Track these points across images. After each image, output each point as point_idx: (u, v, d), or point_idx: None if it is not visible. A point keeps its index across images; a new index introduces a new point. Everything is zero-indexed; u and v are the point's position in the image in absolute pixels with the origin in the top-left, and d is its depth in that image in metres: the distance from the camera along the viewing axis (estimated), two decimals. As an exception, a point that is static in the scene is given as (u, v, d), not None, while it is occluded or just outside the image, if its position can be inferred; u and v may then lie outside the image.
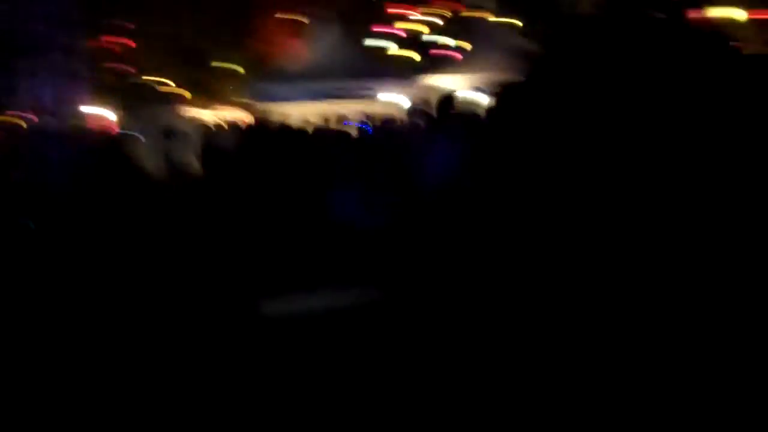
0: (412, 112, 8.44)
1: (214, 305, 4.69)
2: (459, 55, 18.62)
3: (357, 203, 6.95)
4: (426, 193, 5.00)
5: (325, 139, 8.48)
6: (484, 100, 11.63)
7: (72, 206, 6.23)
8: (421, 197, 5.07)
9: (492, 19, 18.74)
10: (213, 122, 15.73)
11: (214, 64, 20.64)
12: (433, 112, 6.98)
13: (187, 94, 19.72)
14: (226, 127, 14.35)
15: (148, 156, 12.64)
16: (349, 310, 5.67)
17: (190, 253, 4.87)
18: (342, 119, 10.10)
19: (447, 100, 5.15)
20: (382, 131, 8.73)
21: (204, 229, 4.95)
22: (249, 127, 10.04)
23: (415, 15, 21.03)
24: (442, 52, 19.91)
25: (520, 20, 19.71)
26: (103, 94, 17.20)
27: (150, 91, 19.69)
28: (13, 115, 7.26)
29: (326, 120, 9.75)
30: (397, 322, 5.27)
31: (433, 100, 12.53)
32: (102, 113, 15.83)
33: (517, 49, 17.38)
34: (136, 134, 12.47)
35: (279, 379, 4.49)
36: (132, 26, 19.77)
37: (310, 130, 9.75)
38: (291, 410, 4.25)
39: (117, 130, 11.18)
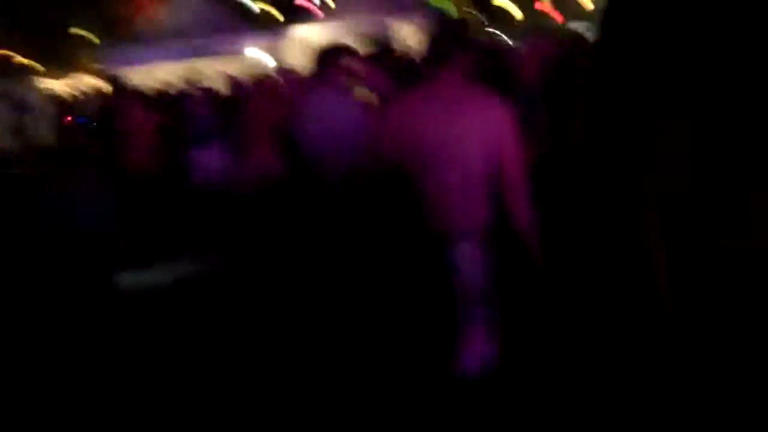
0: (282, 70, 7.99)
1: (69, 281, 4.42)
2: (321, 8, 18.13)
3: (219, 165, 6.59)
4: (307, 155, 4.64)
5: (187, 100, 8.01)
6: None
7: None
8: (298, 159, 4.71)
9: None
10: (68, 93, 14.88)
11: (66, 31, 19.65)
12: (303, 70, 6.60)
13: (39, 65, 18.73)
14: (81, 97, 13.57)
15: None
16: (199, 279, 5.56)
17: (43, 229, 4.49)
18: (205, 80, 9.57)
19: (328, 53, 4.77)
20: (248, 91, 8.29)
21: (58, 201, 4.55)
22: (105, 96, 9.46)
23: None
24: (306, 4, 19.39)
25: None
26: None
27: (-2, 64, 18.67)
28: None
29: (188, 82, 9.20)
30: (247, 289, 5.13)
31: (300, 55, 12.18)
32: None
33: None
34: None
35: (132, 351, 4.29)
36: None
37: (170, 93, 9.25)
38: (143, 383, 4.03)
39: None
